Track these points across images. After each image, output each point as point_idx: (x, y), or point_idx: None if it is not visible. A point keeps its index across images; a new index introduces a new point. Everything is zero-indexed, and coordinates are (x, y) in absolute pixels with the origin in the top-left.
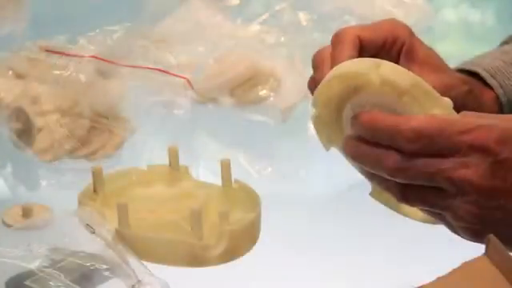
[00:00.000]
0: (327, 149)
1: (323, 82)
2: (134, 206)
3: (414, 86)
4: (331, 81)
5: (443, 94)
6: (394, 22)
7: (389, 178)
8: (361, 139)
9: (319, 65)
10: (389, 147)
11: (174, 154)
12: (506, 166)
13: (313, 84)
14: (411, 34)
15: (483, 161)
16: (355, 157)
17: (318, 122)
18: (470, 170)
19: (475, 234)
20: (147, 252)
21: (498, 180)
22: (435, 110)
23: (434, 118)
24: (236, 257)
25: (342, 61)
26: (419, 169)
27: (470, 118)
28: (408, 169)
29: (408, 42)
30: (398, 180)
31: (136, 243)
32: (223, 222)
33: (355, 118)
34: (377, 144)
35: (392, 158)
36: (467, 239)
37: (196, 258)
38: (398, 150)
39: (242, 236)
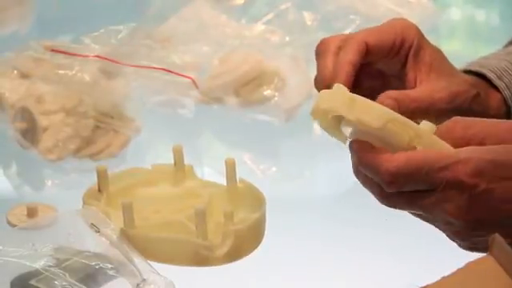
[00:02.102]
0: (345, 143)
1: (312, 107)
2: (138, 206)
3: (388, 123)
4: (318, 108)
5: (451, 100)
6: (402, 23)
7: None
8: None
9: (322, 56)
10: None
11: (178, 154)
12: (484, 197)
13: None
14: (420, 35)
15: (460, 197)
16: (355, 176)
17: (325, 129)
18: (450, 205)
19: (470, 249)
20: (152, 251)
21: (477, 212)
22: (416, 140)
23: (412, 158)
24: (241, 256)
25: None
26: (403, 204)
27: (453, 138)
28: (394, 202)
29: (415, 44)
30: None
31: (141, 242)
32: (228, 222)
33: (350, 145)
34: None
35: (380, 189)
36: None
37: (200, 258)
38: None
39: (247, 236)
